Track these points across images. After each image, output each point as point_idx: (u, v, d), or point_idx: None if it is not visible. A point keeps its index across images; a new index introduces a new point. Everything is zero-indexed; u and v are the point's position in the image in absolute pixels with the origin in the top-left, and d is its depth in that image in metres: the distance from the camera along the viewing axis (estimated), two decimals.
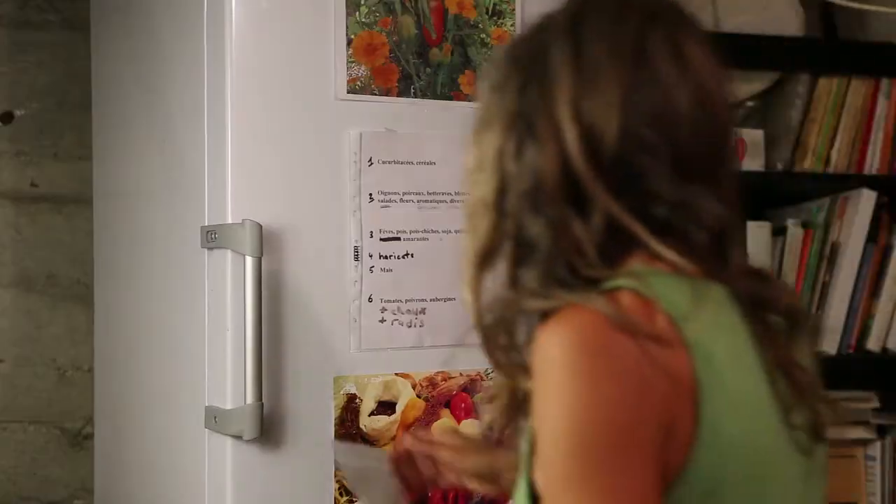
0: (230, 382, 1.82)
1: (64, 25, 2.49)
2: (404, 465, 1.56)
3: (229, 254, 1.82)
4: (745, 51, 2.51)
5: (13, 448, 2.45)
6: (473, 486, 1.54)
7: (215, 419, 1.85)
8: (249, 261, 1.79)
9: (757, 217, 2.54)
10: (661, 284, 1.08)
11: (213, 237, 1.85)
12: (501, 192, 1.14)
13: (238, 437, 1.81)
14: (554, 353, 1.03)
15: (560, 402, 1.02)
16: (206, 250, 1.88)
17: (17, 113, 2.48)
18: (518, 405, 1.15)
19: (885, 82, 2.61)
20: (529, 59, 1.15)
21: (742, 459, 1.07)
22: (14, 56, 2.48)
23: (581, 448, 1.01)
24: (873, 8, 2.52)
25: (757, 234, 2.50)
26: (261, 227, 1.79)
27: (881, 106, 2.61)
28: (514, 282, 1.14)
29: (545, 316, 1.08)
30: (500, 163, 1.14)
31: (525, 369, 1.11)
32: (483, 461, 1.51)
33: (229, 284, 1.83)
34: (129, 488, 2.22)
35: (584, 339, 1.03)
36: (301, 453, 1.85)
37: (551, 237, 1.11)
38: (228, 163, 1.83)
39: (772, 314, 1.17)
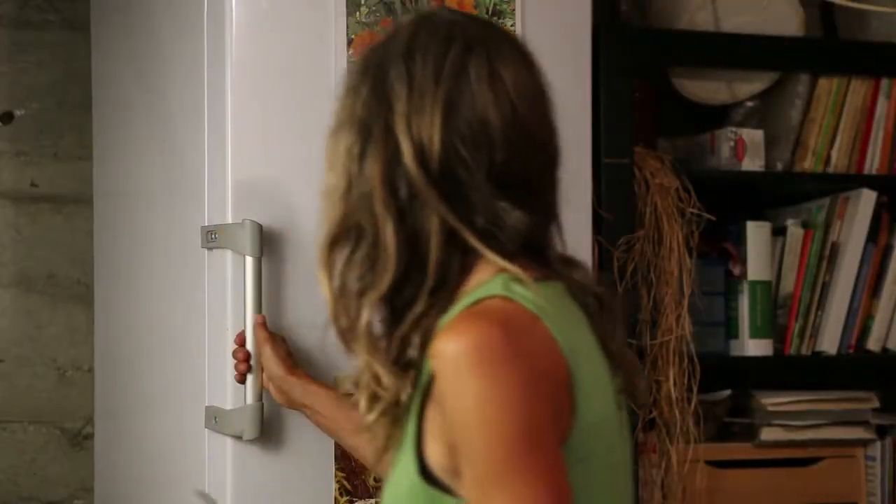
0: (230, 383, 1.82)
1: (64, 25, 2.49)
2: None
3: (229, 254, 1.82)
4: (745, 51, 2.51)
5: (13, 448, 2.45)
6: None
7: (215, 419, 1.85)
8: (249, 261, 1.78)
9: (757, 217, 2.54)
10: (522, 290, 1.21)
11: (213, 237, 1.85)
12: (347, 189, 1.26)
13: (238, 438, 1.81)
14: (462, 361, 1.15)
15: (479, 404, 1.15)
16: (206, 250, 1.88)
17: (17, 113, 2.48)
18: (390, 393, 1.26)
19: (885, 82, 2.61)
20: (376, 68, 1.27)
21: (602, 434, 1.24)
22: (14, 56, 2.48)
23: (507, 439, 1.14)
24: (873, 8, 2.52)
25: (757, 234, 2.50)
26: (261, 227, 1.79)
27: (881, 106, 2.61)
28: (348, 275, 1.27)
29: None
30: (347, 162, 1.26)
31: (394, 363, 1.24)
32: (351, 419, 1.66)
33: (229, 284, 1.83)
34: (129, 488, 2.22)
35: (488, 347, 1.15)
36: (301, 453, 1.85)
37: (394, 243, 1.23)
38: (228, 163, 1.83)
39: (588, 297, 1.31)
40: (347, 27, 1.88)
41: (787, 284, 2.55)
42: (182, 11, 1.98)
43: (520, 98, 1.26)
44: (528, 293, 1.21)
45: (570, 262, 1.33)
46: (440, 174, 1.23)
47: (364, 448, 1.66)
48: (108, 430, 2.34)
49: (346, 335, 1.30)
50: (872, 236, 2.58)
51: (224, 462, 1.84)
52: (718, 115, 2.60)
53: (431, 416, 1.21)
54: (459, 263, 1.25)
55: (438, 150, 1.23)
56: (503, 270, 1.23)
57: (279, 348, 1.78)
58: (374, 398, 1.27)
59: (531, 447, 1.15)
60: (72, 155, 2.49)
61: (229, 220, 1.82)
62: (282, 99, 1.85)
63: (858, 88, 2.60)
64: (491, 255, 1.23)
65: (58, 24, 2.49)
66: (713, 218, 2.35)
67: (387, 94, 1.25)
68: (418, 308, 1.24)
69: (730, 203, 2.48)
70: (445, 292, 1.25)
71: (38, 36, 2.49)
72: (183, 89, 1.98)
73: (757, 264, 2.49)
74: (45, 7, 2.49)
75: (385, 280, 1.24)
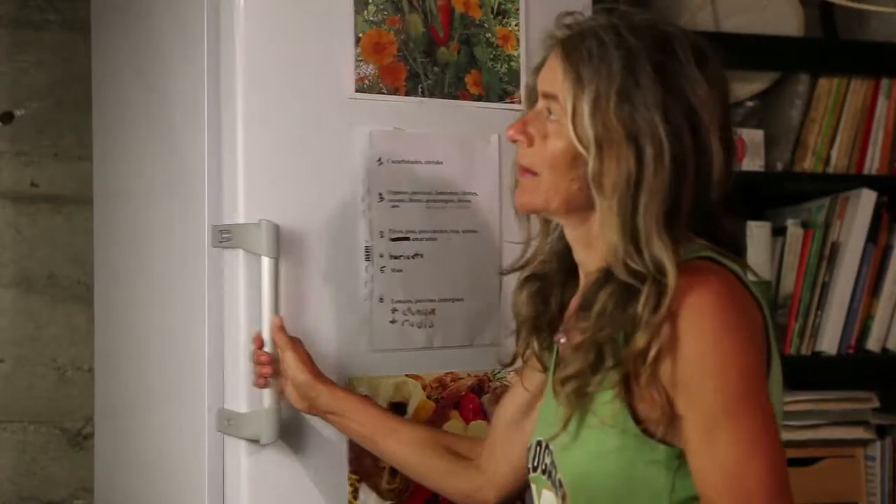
0: (244, 385, 1.80)
1: (64, 25, 2.49)
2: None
3: (242, 254, 1.80)
4: (745, 51, 2.51)
5: (13, 448, 2.45)
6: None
7: (229, 422, 1.83)
8: (266, 261, 1.75)
9: (757, 217, 2.54)
10: (723, 258, 1.38)
11: (225, 236, 1.83)
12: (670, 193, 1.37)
13: (254, 441, 1.78)
14: (705, 307, 1.30)
15: (716, 347, 1.29)
16: (215, 249, 1.87)
17: (17, 113, 2.48)
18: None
19: (885, 82, 2.61)
20: (650, 77, 1.36)
21: (779, 384, 1.41)
22: (14, 56, 2.48)
23: (739, 380, 1.30)
24: (873, 8, 2.52)
25: (757, 234, 2.50)
26: (278, 227, 1.76)
27: (881, 106, 2.62)
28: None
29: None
30: (664, 166, 1.35)
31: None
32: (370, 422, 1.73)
33: (242, 285, 1.81)
34: (129, 488, 2.22)
35: (729, 294, 1.32)
36: (316, 456, 1.83)
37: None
38: (239, 162, 1.82)
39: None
40: (355, 25, 1.87)
41: (787, 284, 2.55)
42: (182, 11, 1.98)
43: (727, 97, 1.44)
44: (726, 259, 1.37)
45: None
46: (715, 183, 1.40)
47: (400, 451, 1.70)
48: (108, 430, 2.33)
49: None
50: (872, 236, 2.59)
51: (238, 465, 1.82)
52: None
53: (651, 369, 1.31)
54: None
55: (719, 150, 1.39)
56: (692, 240, 1.39)
57: (301, 352, 1.75)
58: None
59: (756, 391, 1.31)
60: (72, 155, 2.49)
61: (241, 220, 1.80)
62: (291, 98, 1.84)
63: (858, 88, 2.60)
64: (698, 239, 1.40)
65: (58, 24, 2.49)
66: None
67: (687, 104, 1.36)
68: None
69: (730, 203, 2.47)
70: None
71: (38, 36, 2.49)
72: (183, 89, 1.98)
73: (757, 264, 2.49)
74: (45, 7, 2.49)
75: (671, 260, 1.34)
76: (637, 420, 1.34)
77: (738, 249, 1.44)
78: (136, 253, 2.19)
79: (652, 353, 1.30)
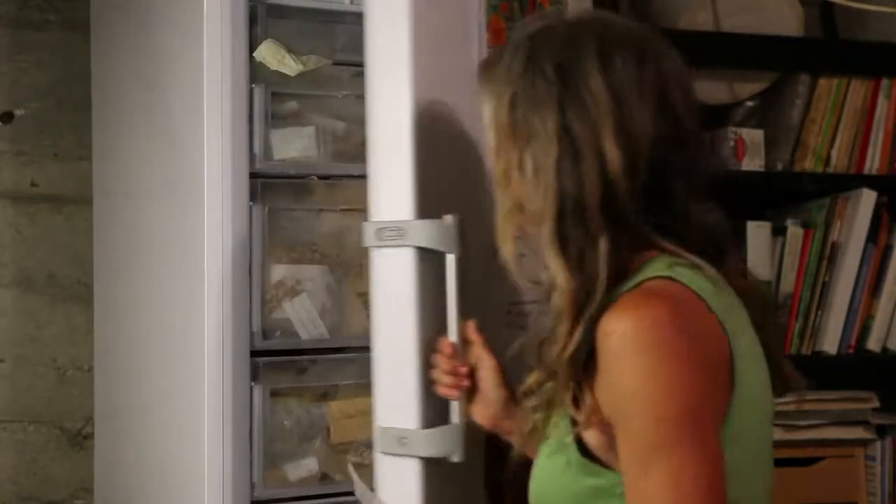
0: (420, 400, 1.60)
1: (64, 25, 2.49)
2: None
3: (409, 253, 1.61)
4: (745, 51, 2.51)
5: (13, 448, 2.45)
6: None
7: (402, 441, 1.62)
8: (450, 259, 1.58)
9: (757, 217, 2.54)
10: (686, 273, 1.28)
11: (391, 234, 1.63)
12: (559, 202, 1.31)
13: (435, 460, 1.60)
14: (633, 337, 1.22)
15: (646, 380, 1.21)
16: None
17: (17, 113, 2.48)
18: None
19: (885, 82, 2.61)
20: (561, 79, 1.32)
21: (755, 412, 1.30)
22: (14, 56, 2.48)
23: (670, 416, 1.20)
24: (873, 8, 2.52)
25: (757, 234, 2.50)
26: (462, 221, 1.60)
27: (881, 106, 2.62)
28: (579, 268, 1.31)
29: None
30: (558, 175, 1.30)
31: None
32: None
33: (413, 287, 1.61)
34: (129, 488, 2.22)
35: (670, 322, 1.22)
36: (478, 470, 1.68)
37: (592, 242, 1.30)
38: (410, 156, 1.62)
39: (752, 307, 1.37)
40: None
41: (787, 284, 2.55)
42: (182, 11, 1.98)
43: (694, 105, 1.37)
44: (690, 273, 1.28)
45: (743, 273, 1.40)
46: (645, 182, 1.30)
47: None
48: (108, 430, 2.34)
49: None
50: (872, 236, 2.58)
51: (413, 489, 1.62)
52: (718, 115, 2.60)
53: (592, 393, 1.27)
54: (633, 250, 1.31)
55: (647, 158, 1.30)
56: (665, 251, 1.31)
57: (498, 365, 1.56)
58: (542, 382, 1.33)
59: (692, 425, 1.21)
60: (72, 155, 2.49)
61: (410, 217, 1.61)
62: None
63: (858, 88, 2.60)
64: (666, 244, 1.31)
65: (58, 24, 2.49)
66: None
67: (588, 106, 1.30)
68: (598, 297, 1.28)
69: (730, 203, 2.47)
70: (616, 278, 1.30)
71: (38, 36, 2.49)
72: (183, 89, 1.98)
73: (757, 264, 2.49)
74: (45, 7, 2.49)
75: (600, 284, 1.28)
76: (585, 445, 1.30)
77: (720, 249, 1.35)
78: (136, 253, 2.19)
79: (567, 366, 1.28)
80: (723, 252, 1.35)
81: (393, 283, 1.62)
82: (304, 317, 1.97)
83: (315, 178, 1.99)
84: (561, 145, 1.30)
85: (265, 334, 1.93)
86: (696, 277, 1.28)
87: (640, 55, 1.34)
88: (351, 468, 1.80)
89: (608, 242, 1.29)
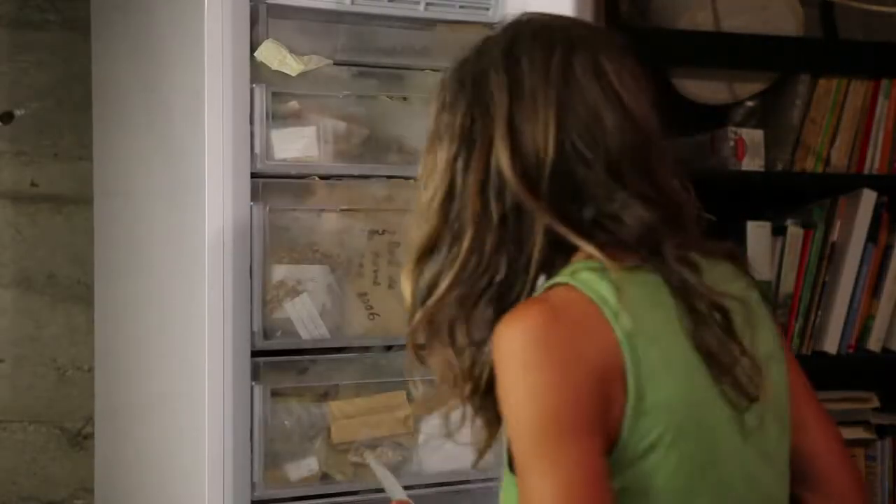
0: None
1: (64, 25, 2.49)
2: None
3: None
4: (745, 51, 2.51)
5: (13, 448, 2.45)
6: None
7: None
8: None
9: (757, 217, 2.54)
10: (589, 278, 1.25)
11: None
12: (447, 200, 1.31)
13: None
14: (508, 346, 1.22)
15: (517, 390, 1.21)
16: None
17: (17, 113, 2.48)
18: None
19: (885, 82, 2.61)
20: (472, 82, 1.31)
21: (674, 421, 1.22)
22: (14, 56, 2.48)
23: (536, 425, 1.19)
24: (873, 8, 2.52)
25: (757, 234, 2.51)
26: None
27: (881, 106, 2.62)
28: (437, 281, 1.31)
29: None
30: (449, 174, 1.31)
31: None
32: None
33: None
34: (129, 488, 2.22)
35: (531, 334, 1.20)
36: None
37: (486, 249, 1.29)
38: None
39: (699, 302, 1.28)
40: None
41: (787, 284, 2.56)
42: (182, 11, 1.98)
43: (624, 90, 1.30)
44: (592, 277, 1.24)
45: (691, 265, 1.30)
46: (553, 174, 1.27)
47: None
48: (108, 430, 2.34)
49: (430, 339, 1.33)
50: (872, 236, 2.59)
51: None
52: (718, 115, 2.61)
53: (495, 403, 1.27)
54: (563, 257, 1.29)
55: (553, 151, 1.26)
56: (590, 257, 1.27)
57: None
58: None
59: (558, 434, 1.19)
60: (72, 155, 2.49)
61: None
62: None
63: (858, 88, 2.61)
64: (586, 246, 1.26)
65: (58, 24, 2.49)
66: (713, 218, 2.34)
67: (490, 104, 1.29)
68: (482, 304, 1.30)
69: (730, 203, 2.48)
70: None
71: (38, 36, 2.49)
72: (183, 89, 1.98)
73: (757, 264, 2.49)
74: (45, 7, 2.49)
75: (480, 284, 1.29)
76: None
77: (654, 245, 1.28)
78: (136, 253, 2.19)
79: (468, 377, 1.30)
80: (659, 243, 1.28)
81: None
82: (304, 317, 1.97)
83: (316, 178, 1.98)
84: (459, 143, 1.31)
85: (266, 334, 1.93)
86: (599, 282, 1.24)
87: (551, 51, 1.30)
88: (374, 463, 1.85)
89: (493, 243, 1.28)
